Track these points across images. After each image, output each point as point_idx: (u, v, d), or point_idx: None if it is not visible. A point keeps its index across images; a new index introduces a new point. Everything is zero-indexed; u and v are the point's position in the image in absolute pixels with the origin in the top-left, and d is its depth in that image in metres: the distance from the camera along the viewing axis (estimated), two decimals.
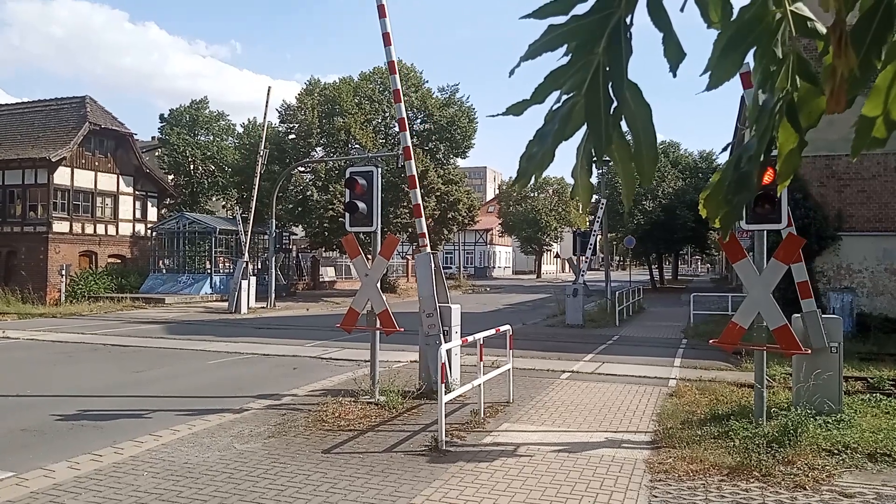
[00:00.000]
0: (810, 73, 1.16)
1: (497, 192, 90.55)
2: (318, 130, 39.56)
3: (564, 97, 1.15)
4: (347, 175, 10.21)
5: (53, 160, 30.76)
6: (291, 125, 41.12)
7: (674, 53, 1.13)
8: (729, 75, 1.16)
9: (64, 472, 6.38)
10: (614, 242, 44.00)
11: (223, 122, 49.60)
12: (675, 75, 1.17)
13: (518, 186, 1.27)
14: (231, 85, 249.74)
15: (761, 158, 1.18)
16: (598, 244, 26.74)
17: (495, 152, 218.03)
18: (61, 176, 31.91)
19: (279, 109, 41.61)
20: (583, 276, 22.37)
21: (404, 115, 11.07)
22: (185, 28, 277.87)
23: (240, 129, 48.21)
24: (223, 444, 7.40)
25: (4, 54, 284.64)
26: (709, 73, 1.17)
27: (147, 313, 26.18)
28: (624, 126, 1.20)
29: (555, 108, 1.16)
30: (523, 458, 6.93)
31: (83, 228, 33.22)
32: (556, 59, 1.13)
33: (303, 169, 40.42)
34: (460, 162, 47.63)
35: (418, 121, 44.33)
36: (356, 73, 47.18)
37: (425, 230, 10.84)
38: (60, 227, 31.94)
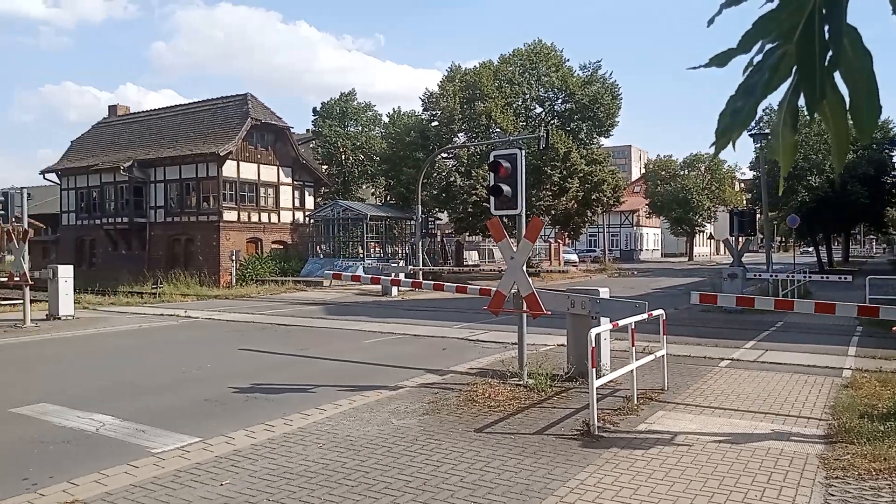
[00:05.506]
0: None
1: (643, 171, 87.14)
2: (460, 116, 40.04)
3: (769, 46, 1.05)
4: (491, 158, 10.21)
5: (221, 154, 33.60)
6: (434, 112, 41.94)
7: None
8: None
9: (242, 439, 6.97)
10: (775, 222, 40.70)
11: (370, 113, 51.61)
12: None
13: (717, 148, 1.15)
14: (375, 76, 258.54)
15: None
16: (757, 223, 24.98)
17: (640, 130, 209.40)
18: (228, 169, 34.79)
19: (422, 98, 42.57)
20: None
21: None
22: (332, 24, 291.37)
23: (385, 119, 49.92)
24: (381, 419, 7.75)
25: (176, 60, 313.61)
26: None
27: (307, 295, 27.95)
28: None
29: (758, 59, 1.06)
30: (681, 448, 6.65)
31: (249, 217, 36.06)
32: (757, 7, 1.03)
33: (446, 155, 41.15)
34: (604, 141, 46.38)
35: (559, 101, 43.56)
36: (496, 55, 47.19)
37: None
38: (230, 215, 34.88)
